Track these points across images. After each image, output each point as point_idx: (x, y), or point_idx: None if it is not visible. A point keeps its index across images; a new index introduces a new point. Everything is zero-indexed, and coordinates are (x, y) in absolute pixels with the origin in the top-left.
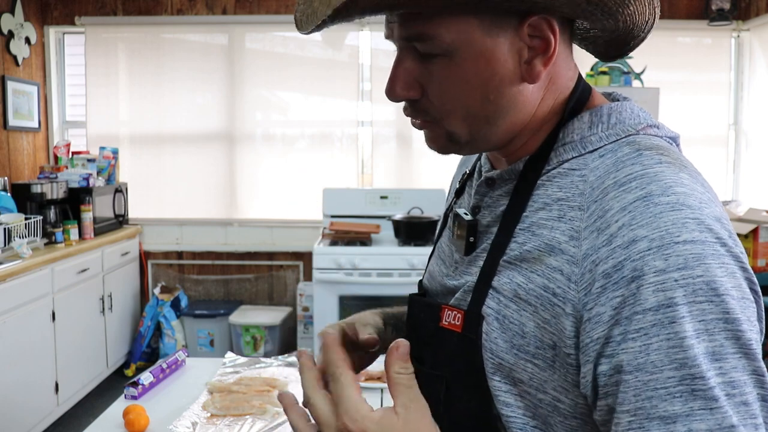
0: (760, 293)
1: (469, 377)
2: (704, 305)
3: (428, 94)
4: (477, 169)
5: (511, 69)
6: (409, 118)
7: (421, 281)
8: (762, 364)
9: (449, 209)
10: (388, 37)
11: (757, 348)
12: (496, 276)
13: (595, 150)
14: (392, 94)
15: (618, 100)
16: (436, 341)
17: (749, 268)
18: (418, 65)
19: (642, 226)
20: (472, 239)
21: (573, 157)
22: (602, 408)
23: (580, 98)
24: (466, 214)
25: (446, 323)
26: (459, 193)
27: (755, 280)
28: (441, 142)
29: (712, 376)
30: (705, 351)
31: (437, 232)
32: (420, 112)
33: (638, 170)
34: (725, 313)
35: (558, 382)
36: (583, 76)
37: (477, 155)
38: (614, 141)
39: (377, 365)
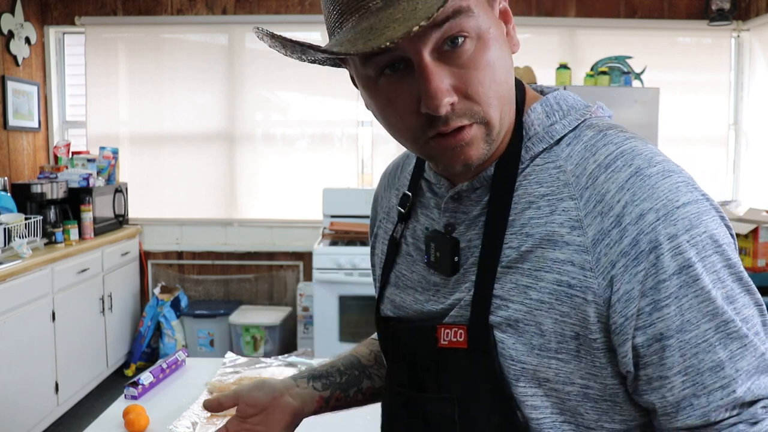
0: (734, 233)
1: (484, 392)
2: (712, 257)
3: (467, 90)
4: (427, 189)
5: (506, 41)
6: None
7: (378, 316)
8: (758, 294)
9: (394, 237)
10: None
11: (750, 281)
12: (496, 284)
13: (561, 139)
14: (440, 105)
15: (543, 92)
16: (438, 364)
17: (724, 213)
18: (447, 69)
19: (644, 200)
20: (456, 258)
21: (543, 150)
22: (642, 378)
23: (519, 91)
24: (443, 234)
25: (446, 342)
26: (405, 217)
27: (729, 223)
28: (479, 147)
29: (734, 317)
30: (722, 296)
31: (380, 263)
32: (462, 116)
33: (614, 149)
34: (728, 260)
35: (585, 370)
36: (583, 76)
37: (408, 176)
38: (575, 128)
39: None
